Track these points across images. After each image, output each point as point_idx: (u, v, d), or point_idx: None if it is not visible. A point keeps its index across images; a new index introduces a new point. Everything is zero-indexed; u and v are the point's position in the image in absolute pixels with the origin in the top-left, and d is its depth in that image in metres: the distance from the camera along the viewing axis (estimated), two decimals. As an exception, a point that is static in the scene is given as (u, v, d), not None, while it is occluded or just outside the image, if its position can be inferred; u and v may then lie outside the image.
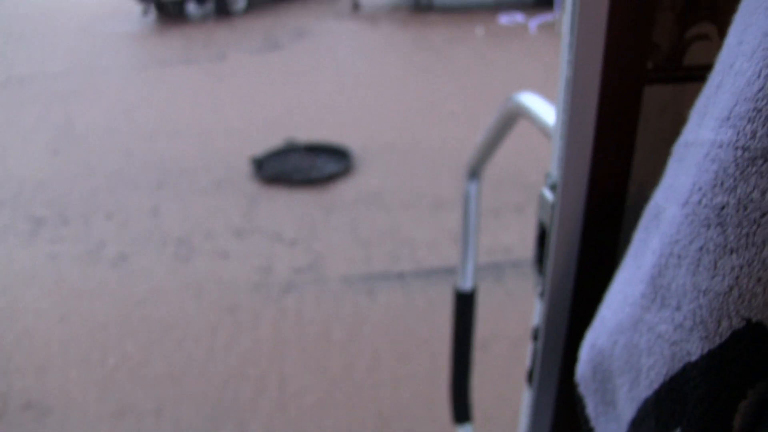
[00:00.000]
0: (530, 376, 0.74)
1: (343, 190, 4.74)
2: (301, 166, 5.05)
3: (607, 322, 0.52)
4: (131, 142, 5.78)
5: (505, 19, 10.35)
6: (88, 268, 3.85)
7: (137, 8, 12.13)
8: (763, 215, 0.37)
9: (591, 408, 0.55)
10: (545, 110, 0.80)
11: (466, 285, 1.22)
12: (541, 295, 0.69)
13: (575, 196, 0.62)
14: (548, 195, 0.66)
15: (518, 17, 10.35)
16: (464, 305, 1.23)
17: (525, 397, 0.76)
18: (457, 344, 1.28)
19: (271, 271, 3.71)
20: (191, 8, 12.29)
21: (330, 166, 5.10)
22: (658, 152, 0.65)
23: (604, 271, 0.64)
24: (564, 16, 0.58)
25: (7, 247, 4.14)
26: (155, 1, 11.76)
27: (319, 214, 4.39)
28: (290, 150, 5.34)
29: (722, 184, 0.39)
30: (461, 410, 1.32)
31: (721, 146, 0.40)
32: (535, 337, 0.72)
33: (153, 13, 12.14)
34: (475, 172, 1.14)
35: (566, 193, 0.62)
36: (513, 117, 0.94)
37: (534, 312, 0.72)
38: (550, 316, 0.66)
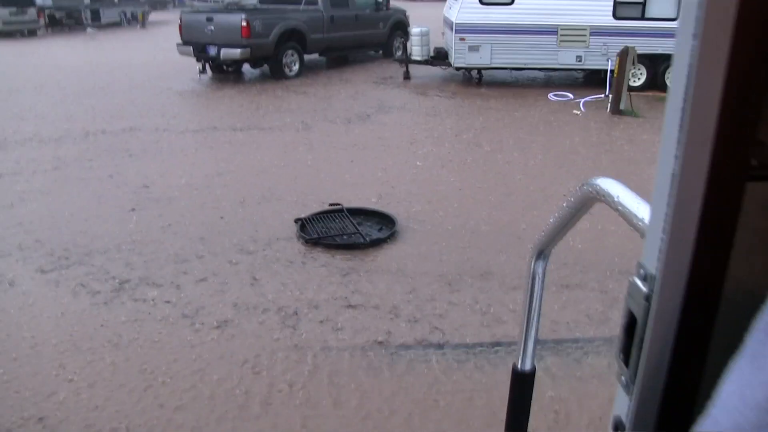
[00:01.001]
0: None
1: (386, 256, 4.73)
2: (346, 230, 5.08)
3: (720, 424, 0.50)
4: (211, 202, 5.80)
5: (554, 96, 10.46)
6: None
7: (193, 67, 12.60)
8: None
9: None
10: (627, 198, 0.79)
11: (526, 365, 1.19)
12: (626, 386, 0.66)
13: (674, 290, 0.60)
14: (641, 286, 0.64)
15: (567, 95, 10.45)
16: (522, 385, 1.20)
17: None
18: (512, 424, 1.24)
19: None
20: (247, 70, 12.73)
21: (375, 231, 5.12)
22: (757, 249, 0.63)
23: (697, 367, 0.62)
24: (668, 113, 0.58)
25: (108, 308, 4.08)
26: (212, 62, 12.21)
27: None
28: (335, 212, 5.39)
29: None
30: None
31: None
32: (616, 428, 0.69)
33: (209, 72, 12.58)
34: (542, 253, 1.12)
35: (665, 286, 0.61)
36: (589, 201, 0.93)
37: (616, 401, 0.69)
38: (638, 410, 0.63)
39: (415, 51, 11.79)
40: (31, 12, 23.02)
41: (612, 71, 9.70)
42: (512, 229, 5.16)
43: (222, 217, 5.41)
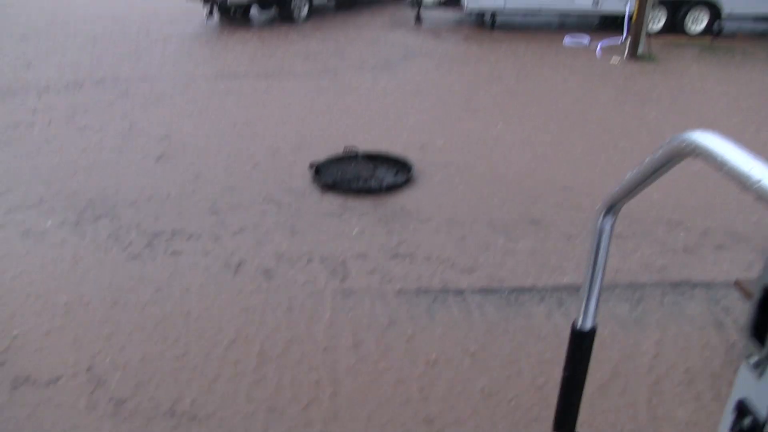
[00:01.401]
0: None
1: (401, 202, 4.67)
2: (361, 175, 5.01)
3: None
4: (239, 152, 5.62)
5: (569, 40, 10.22)
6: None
7: (200, 12, 12.34)
8: None
9: None
10: (736, 155, 0.72)
11: (587, 324, 1.14)
12: (757, 365, 0.61)
13: None
14: None
15: (583, 39, 10.21)
16: (582, 344, 1.16)
17: None
18: (568, 384, 1.20)
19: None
20: (255, 13, 12.46)
21: (389, 177, 5.05)
22: None
23: None
24: None
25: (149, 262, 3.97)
26: (219, 5, 11.94)
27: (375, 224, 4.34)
28: (350, 158, 5.31)
29: None
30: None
31: None
32: (741, 411, 0.63)
33: (216, 16, 12.32)
34: (613, 208, 1.06)
35: None
36: (680, 157, 0.86)
37: (739, 383, 0.63)
38: None
39: (427, -6, 11.54)
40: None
41: (630, 15, 9.46)
42: (525, 176, 5.09)
43: (253, 167, 5.24)
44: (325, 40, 10.44)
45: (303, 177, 5.02)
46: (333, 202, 4.63)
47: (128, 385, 2.78)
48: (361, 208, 4.53)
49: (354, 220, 4.33)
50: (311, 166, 5.12)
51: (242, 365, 2.90)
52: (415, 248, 3.96)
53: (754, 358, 0.62)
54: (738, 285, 2.91)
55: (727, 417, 0.66)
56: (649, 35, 9.23)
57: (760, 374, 0.61)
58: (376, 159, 5.32)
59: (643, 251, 3.94)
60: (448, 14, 11.82)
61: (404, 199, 4.68)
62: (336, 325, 3.19)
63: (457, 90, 7.62)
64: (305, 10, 12.03)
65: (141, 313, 3.32)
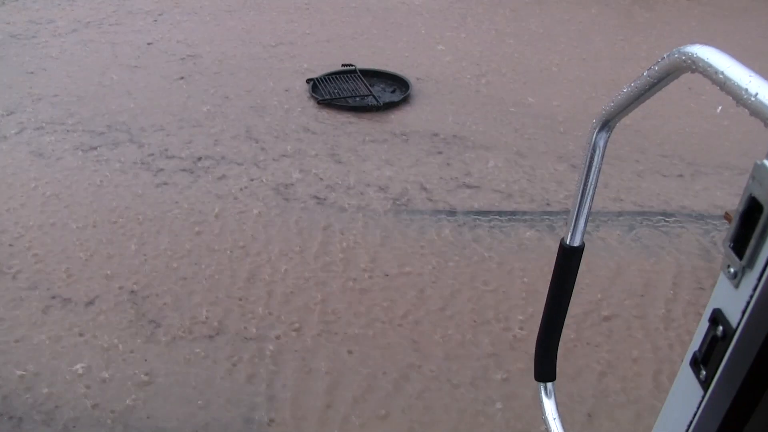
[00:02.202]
0: (699, 365, 0.67)
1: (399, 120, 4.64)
2: (358, 92, 4.95)
3: None
4: (272, 73, 5.30)
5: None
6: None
7: None
8: None
9: None
10: (734, 69, 0.72)
11: (575, 240, 1.15)
12: (734, 277, 0.62)
13: None
14: None
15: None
16: (569, 260, 1.17)
17: (685, 387, 0.70)
18: (553, 300, 1.22)
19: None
20: None
21: (387, 95, 4.99)
22: None
23: None
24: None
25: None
26: None
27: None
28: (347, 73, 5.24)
29: None
30: (547, 368, 1.27)
31: None
32: (714, 321, 0.65)
33: None
34: (607, 123, 1.05)
35: None
36: (678, 71, 0.85)
37: (717, 293, 0.65)
38: (755, 307, 0.59)
39: None
40: None
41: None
42: (515, 96, 5.05)
43: (287, 90, 5.04)
44: None
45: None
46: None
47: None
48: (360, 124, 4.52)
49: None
50: (308, 81, 5.05)
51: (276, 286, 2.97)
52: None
53: (732, 269, 0.63)
54: (727, 217, 2.94)
55: (703, 326, 0.68)
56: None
57: (737, 285, 0.62)
58: (374, 75, 5.25)
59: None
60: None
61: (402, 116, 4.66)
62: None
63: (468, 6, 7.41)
64: None
65: (181, 241, 3.34)
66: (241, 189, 3.76)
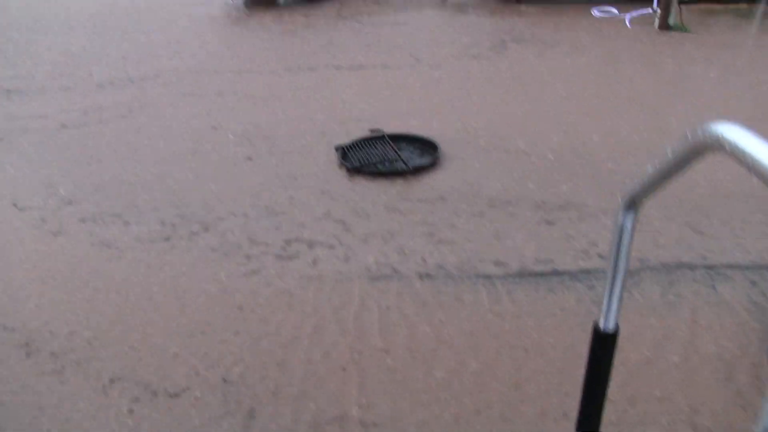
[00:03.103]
0: None
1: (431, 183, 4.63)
2: (387, 157, 4.97)
3: None
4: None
5: (598, 12, 9.99)
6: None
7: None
8: None
9: None
10: (759, 147, 0.68)
11: (609, 325, 1.10)
12: None
13: None
14: None
15: (612, 10, 9.97)
16: (604, 346, 1.12)
17: None
18: (590, 386, 1.16)
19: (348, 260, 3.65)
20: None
21: (416, 158, 5.01)
22: None
23: None
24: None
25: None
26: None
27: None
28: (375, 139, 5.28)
29: None
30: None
31: None
32: None
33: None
34: (634, 203, 1.02)
35: None
36: (704, 151, 0.82)
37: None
38: None
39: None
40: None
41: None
42: (548, 152, 5.01)
43: (320, 160, 5.06)
44: (347, 20, 10.34)
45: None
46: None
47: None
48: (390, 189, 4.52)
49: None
50: (337, 149, 5.09)
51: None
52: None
53: None
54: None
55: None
56: (681, 3, 8.97)
57: None
58: (402, 140, 5.28)
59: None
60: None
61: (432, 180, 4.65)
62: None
63: (483, 66, 7.50)
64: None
65: (278, 329, 3.25)
66: (338, 274, 3.60)
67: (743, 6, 10.19)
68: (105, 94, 7.14)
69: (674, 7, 8.76)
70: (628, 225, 1.02)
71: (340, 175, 4.78)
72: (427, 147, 5.15)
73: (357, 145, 5.19)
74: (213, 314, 3.30)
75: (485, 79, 6.98)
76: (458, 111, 6.01)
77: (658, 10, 9.02)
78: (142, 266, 3.78)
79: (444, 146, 5.14)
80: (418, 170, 4.77)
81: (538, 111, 5.94)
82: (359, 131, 5.47)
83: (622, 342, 2.60)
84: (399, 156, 4.94)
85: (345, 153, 5.04)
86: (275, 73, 7.55)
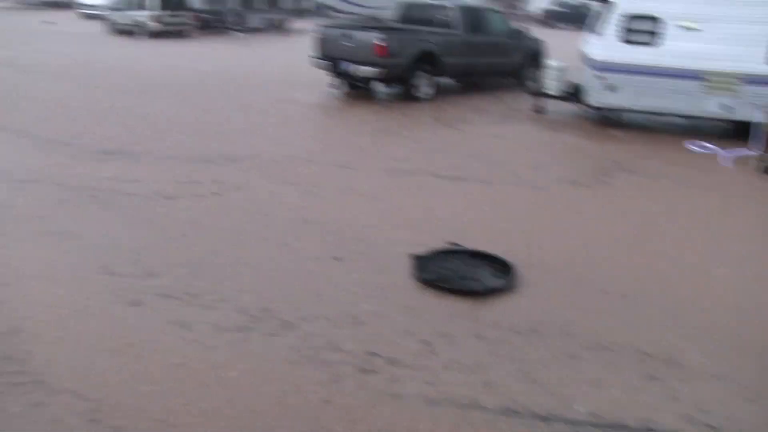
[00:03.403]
0: None
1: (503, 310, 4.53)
2: (461, 274, 4.92)
3: None
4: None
5: (692, 146, 9.81)
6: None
7: (324, 80, 12.86)
8: None
9: None
10: None
11: None
12: None
13: None
14: None
15: (710, 146, 9.77)
16: None
17: None
18: None
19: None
20: (379, 88, 12.82)
21: (491, 279, 4.93)
22: None
23: None
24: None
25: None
26: (344, 77, 12.39)
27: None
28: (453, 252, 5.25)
29: None
30: None
31: None
32: None
33: (341, 86, 12.78)
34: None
35: None
36: None
37: None
38: None
39: (550, 85, 11.43)
40: (187, 14, 24.52)
41: (761, 124, 8.99)
42: (652, 297, 4.80)
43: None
44: (446, 126, 10.54)
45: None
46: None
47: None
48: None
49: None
50: (413, 258, 5.09)
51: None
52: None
53: None
54: None
55: None
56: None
57: None
58: (479, 257, 5.23)
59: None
60: (569, 107, 11.64)
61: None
62: None
63: (583, 194, 7.38)
64: (428, 90, 12.25)
65: None
66: (418, 396, 3.50)
67: None
68: (200, 168, 7.44)
69: (776, 152, 8.50)
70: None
71: (415, 287, 4.74)
72: (502, 269, 5.07)
73: (433, 256, 5.18)
74: (286, 418, 3.26)
75: (584, 207, 6.88)
76: (552, 237, 5.85)
77: (760, 153, 8.78)
78: (218, 354, 3.78)
79: (529, 272, 5.01)
80: (490, 292, 4.69)
81: (641, 249, 5.71)
82: (438, 242, 5.46)
83: None
84: (473, 275, 4.88)
85: (420, 263, 5.02)
86: (373, 173, 7.61)
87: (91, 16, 29.84)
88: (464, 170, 7.85)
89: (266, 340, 3.94)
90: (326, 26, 13.52)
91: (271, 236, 5.56)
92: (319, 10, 33.93)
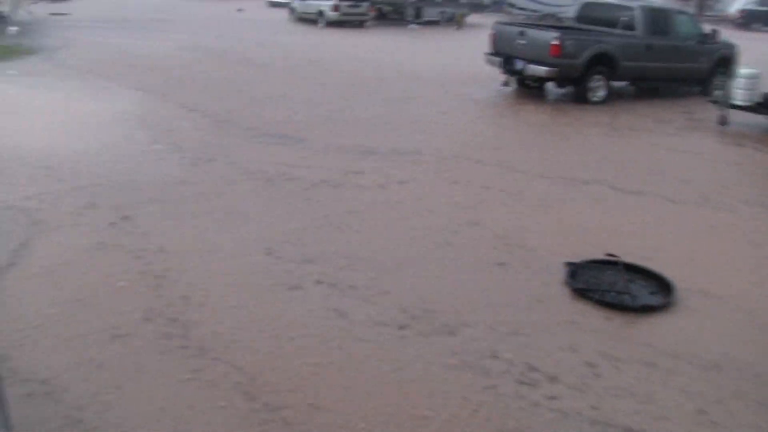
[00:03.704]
0: None
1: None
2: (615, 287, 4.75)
3: None
4: None
5: None
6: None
7: (497, 78, 12.77)
8: None
9: None
10: None
11: None
12: None
13: None
14: None
15: None
16: None
17: None
18: None
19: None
20: (551, 89, 12.55)
21: (646, 296, 4.72)
22: None
23: None
24: None
25: None
26: (517, 76, 12.24)
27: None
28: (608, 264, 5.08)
29: None
30: None
31: None
32: None
33: (512, 85, 12.64)
34: None
35: None
36: None
37: None
38: None
39: (739, 94, 10.51)
40: (365, 5, 25.32)
41: None
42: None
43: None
44: (622, 134, 10.02)
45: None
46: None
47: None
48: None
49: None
50: (567, 265, 4.99)
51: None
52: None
53: None
54: None
55: None
56: None
57: None
58: (637, 272, 5.02)
59: None
60: (760, 120, 10.63)
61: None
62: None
63: (765, 213, 6.73)
64: (602, 93, 11.81)
65: None
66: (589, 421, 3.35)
67: None
68: (366, 158, 7.68)
69: None
70: None
71: (574, 298, 4.61)
72: (661, 286, 4.84)
73: (588, 265, 5.05)
74: (435, 421, 3.26)
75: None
76: (725, 263, 5.38)
77: None
78: (372, 348, 3.84)
79: (687, 296, 4.69)
80: (645, 309, 4.50)
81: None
82: (594, 253, 5.28)
83: None
84: (628, 289, 4.70)
85: (574, 272, 4.92)
86: (545, 178, 7.32)
87: (276, 4, 32.56)
88: (642, 183, 7.32)
89: (424, 341, 3.93)
90: (502, 23, 13.41)
91: (434, 235, 5.53)
92: (497, 6, 33.66)
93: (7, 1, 20.81)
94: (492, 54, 12.59)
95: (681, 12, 13.69)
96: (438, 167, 7.51)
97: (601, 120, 10.74)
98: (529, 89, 12.63)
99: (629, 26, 12.23)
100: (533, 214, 6.21)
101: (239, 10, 29.96)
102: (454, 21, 28.10)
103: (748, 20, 32.05)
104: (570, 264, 5.00)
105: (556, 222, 6.05)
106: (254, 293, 4.44)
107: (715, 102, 11.25)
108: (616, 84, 12.34)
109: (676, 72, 12.86)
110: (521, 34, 11.90)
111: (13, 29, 17.88)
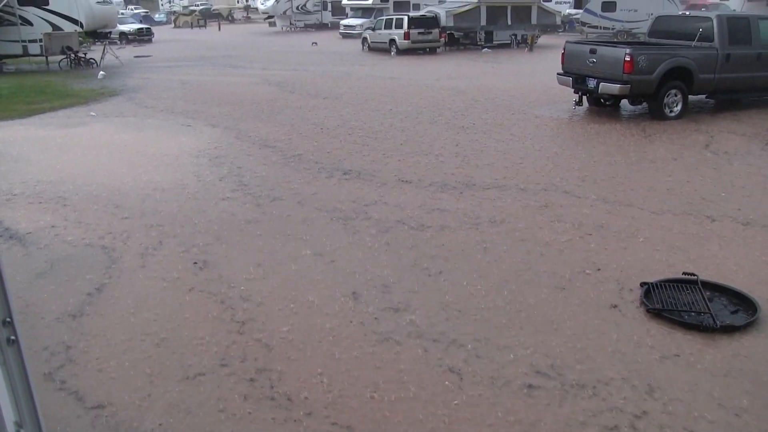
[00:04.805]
0: None
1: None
2: (694, 307, 4.60)
3: None
4: None
5: None
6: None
7: (570, 97, 12.61)
8: None
9: None
10: None
11: None
12: None
13: None
14: None
15: None
16: None
17: None
18: None
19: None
20: (625, 105, 12.32)
21: (728, 315, 4.55)
22: None
23: None
24: None
25: None
26: (589, 94, 12.07)
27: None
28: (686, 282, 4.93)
29: None
30: None
31: None
32: None
33: (585, 104, 12.48)
34: None
35: None
36: None
37: None
38: None
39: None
40: (435, 32, 25.62)
41: None
42: None
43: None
44: (721, 157, 9.09)
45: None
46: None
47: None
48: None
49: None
50: (642, 284, 4.88)
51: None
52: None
53: None
54: None
55: None
56: None
57: None
58: (716, 290, 4.86)
59: None
60: None
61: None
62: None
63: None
64: (679, 108, 11.48)
65: None
66: None
67: None
68: (445, 195, 7.12)
69: None
70: None
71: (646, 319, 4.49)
72: (743, 305, 4.65)
73: (664, 285, 4.91)
74: None
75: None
76: None
77: None
78: (497, 414, 3.44)
79: None
80: (727, 329, 4.34)
81: None
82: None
83: None
84: (708, 308, 4.54)
85: (649, 291, 4.80)
86: (659, 213, 6.59)
87: (348, 35, 34.78)
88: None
89: (556, 403, 3.53)
90: (573, 42, 13.28)
91: (542, 281, 5.01)
92: (568, 25, 33.25)
93: (97, 48, 22.38)
94: (564, 74, 12.46)
95: (764, 18, 13.01)
96: (526, 202, 6.92)
97: (691, 140, 9.99)
98: (603, 107, 12.41)
99: (706, 38, 11.84)
100: (663, 258, 5.51)
101: (314, 43, 31.05)
102: (525, 43, 28.00)
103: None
104: (645, 283, 4.88)
105: (692, 269, 5.18)
106: (342, 344, 4.11)
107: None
108: (693, 98, 11.90)
109: (760, 82, 12.32)
110: (593, 52, 11.74)
111: (101, 73, 19.04)
